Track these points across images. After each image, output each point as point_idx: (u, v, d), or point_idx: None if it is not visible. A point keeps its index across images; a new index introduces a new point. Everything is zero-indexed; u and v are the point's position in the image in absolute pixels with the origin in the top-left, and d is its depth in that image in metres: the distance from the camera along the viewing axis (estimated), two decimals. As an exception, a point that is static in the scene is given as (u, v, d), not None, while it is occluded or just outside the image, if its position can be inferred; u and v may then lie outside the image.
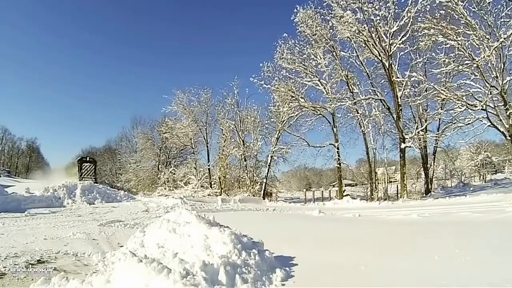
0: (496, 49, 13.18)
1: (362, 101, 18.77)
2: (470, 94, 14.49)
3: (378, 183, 20.47)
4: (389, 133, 18.98)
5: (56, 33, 76.72)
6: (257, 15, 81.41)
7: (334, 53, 19.25)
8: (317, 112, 20.03)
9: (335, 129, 19.93)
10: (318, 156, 21.18)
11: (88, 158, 24.60)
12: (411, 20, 15.45)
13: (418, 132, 16.70)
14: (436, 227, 5.82)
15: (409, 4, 15.34)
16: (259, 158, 23.73)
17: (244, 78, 37.38)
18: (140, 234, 4.32)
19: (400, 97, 16.60)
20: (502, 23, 13.60)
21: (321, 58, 19.07)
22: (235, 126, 23.64)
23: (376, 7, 15.87)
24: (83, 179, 20.22)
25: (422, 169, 21.68)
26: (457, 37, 13.76)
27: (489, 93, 13.56)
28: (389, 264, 3.38)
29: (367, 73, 18.73)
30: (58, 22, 77.45)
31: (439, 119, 17.73)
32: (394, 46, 16.21)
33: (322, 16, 18.29)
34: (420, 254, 3.76)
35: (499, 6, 13.54)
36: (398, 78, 16.58)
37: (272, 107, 21.12)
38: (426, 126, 17.40)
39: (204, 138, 25.43)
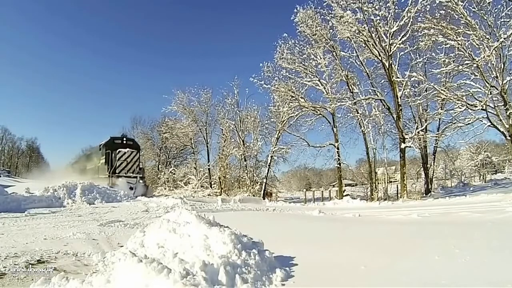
0: (496, 49, 13.18)
1: (362, 101, 18.78)
2: (470, 94, 14.49)
3: (378, 183, 20.46)
4: (389, 133, 19.02)
5: (56, 33, 76.86)
6: (257, 15, 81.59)
7: (334, 53, 19.26)
8: (317, 112, 20.03)
9: (335, 129, 19.93)
10: (318, 156, 21.21)
11: (124, 139, 15.48)
12: (411, 20, 15.45)
13: (418, 132, 16.70)
14: (436, 227, 5.81)
15: (409, 4, 15.35)
16: (259, 158, 23.77)
17: (244, 78, 37.53)
18: (140, 234, 4.31)
19: (400, 97, 16.60)
20: (502, 23, 13.61)
21: (321, 58, 19.07)
22: (235, 126, 23.66)
23: (376, 7, 15.88)
24: (120, 177, 13.60)
25: (422, 169, 21.70)
26: (457, 37, 13.76)
27: (489, 93, 13.56)
28: (389, 264, 3.38)
29: (367, 73, 18.74)
30: (58, 22, 77.58)
31: (439, 119, 17.76)
32: (394, 46, 16.22)
33: (322, 16, 18.33)
34: (420, 254, 3.76)
35: (499, 6, 13.58)
36: (398, 78, 16.58)
37: (272, 107, 21.15)
38: (426, 126, 17.40)
39: (204, 138, 25.48)
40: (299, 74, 20.04)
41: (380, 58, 16.85)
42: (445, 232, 5.14)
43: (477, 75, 14.11)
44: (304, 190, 31.79)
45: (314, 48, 19.11)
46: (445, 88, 15.11)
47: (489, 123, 14.31)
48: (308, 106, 19.66)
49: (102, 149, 14.38)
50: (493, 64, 13.58)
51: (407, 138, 16.52)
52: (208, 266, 2.82)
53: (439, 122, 18.25)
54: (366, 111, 19.02)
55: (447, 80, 16.21)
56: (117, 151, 13.65)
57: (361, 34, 16.54)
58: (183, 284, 2.50)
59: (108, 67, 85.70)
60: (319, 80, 19.41)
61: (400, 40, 16.04)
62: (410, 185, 21.60)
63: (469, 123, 15.05)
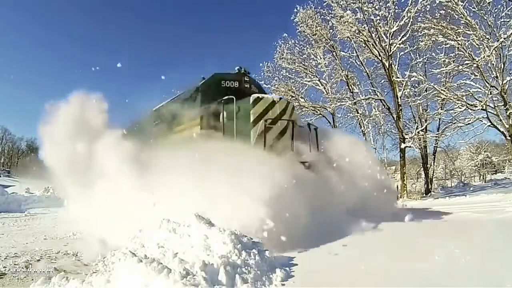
0: (496, 49, 13.16)
1: (362, 101, 18.77)
2: (470, 94, 14.47)
3: (378, 183, 20.42)
4: (389, 133, 19.04)
5: (56, 33, 76.87)
6: (257, 15, 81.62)
7: (334, 53, 19.24)
8: (317, 112, 20.03)
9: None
10: (318, 156, 21.15)
11: (246, 79, 6.99)
12: (411, 20, 15.43)
13: (418, 132, 16.69)
14: (436, 227, 5.81)
15: (409, 4, 15.32)
16: (259, 158, 23.70)
17: (244, 78, 37.33)
18: (140, 234, 4.31)
19: (400, 97, 16.58)
20: (502, 23, 13.59)
21: (321, 58, 19.07)
22: (235, 126, 23.62)
23: (376, 7, 15.86)
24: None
25: (422, 169, 21.69)
26: (457, 37, 13.74)
27: (489, 93, 13.55)
28: (389, 264, 3.37)
29: (367, 73, 18.72)
30: (58, 22, 77.59)
31: (439, 119, 17.71)
32: (394, 46, 16.20)
33: (322, 16, 18.28)
34: (420, 254, 3.75)
35: (499, 6, 13.53)
36: (398, 78, 16.57)
37: (272, 107, 21.10)
38: (426, 126, 17.38)
39: (204, 138, 25.36)
40: (299, 74, 20.06)
41: (380, 58, 16.82)
42: (445, 232, 5.13)
43: (477, 75, 14.09)
44: (304, 190, 31.69)
45: (314, 48, 19.11)
46: (445, 88, 15.08)
47: (489, 123, 14.30)
48: (308, 106, 19.65)
49: (197, 97, 6.33)
50: (493, 64, 13.56)
51: (407, 138, 16.52)
52: (208, 266, 2.82)
53: (439, 122, 18.22)
54: (366, 111, 19.05)
55: (447, 80, 16.18)
56: (253, 98, 5.48)
57: (361, 34, 16.52)
58: (183, 284, 2.50)
59: (108, 67, 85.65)
60: (319, 80, 19.41)
61: (400, 40, 16.02)
62: (410, 185, 21.62)
63: (469, 123, 15.03)
